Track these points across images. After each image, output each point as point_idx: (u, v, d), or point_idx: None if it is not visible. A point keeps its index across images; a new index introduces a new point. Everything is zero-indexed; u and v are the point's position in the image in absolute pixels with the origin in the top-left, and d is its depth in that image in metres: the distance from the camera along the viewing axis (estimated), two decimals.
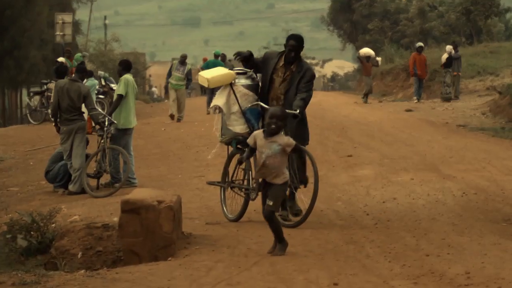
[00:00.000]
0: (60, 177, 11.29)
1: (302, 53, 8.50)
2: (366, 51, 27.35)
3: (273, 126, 6.43)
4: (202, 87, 27.70)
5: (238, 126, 8.23)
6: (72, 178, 11.09)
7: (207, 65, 23.65)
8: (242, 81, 8.33)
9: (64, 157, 11.17)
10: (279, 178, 6.49)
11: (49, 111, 11.13)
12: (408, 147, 14.14)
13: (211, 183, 8.85)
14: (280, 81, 8.29)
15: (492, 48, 33.70)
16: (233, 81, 8.27)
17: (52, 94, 11.22)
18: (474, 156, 12.76)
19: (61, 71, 13.30)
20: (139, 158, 13.31)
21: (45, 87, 21.58)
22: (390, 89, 34.04)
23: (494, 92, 22.82)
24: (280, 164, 6.48)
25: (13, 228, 7.99)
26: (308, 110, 8.46)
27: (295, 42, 8.25)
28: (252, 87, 8.34)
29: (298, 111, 7.91)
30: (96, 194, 10.84)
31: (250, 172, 8.19)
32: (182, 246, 7.06)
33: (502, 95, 20.60)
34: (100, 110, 12.24)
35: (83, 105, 11.21)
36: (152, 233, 6.90)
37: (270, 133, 6.44)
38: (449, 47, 26.12)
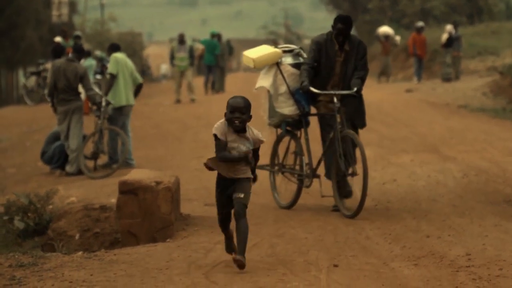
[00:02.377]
0: (56, 158, 11.23)
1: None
2: (385, 29, 26.99)
3: (236, 122, 5.34)
4: (199, 67, 27.52)
5: (287, 108, 7.76)
6: (69, 159, 11.03)
7: (205, 44, 23.56)
8: (289, 59, 7.85)
9: (61, 138, 11.10)
10: (246, 174, 5.50)
11: (45, 91, 11.00)
12: (408, 128, 14.07)
13: (260, 167, 8.16)
14: (340, 66, 7.72)
15: (493, 28, 33.54)
16: (279, 60, 7.80)
17: (48, 75, 11.11)
18: (475, 137, 12.69)
19: (57, 51, 13.19)
20: (137, 139, 13.24)
21: (41, 67, 21.46)
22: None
23: (495, 73, 22.73)
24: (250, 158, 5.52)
25: (10, 210, 7.95)
26: None
27: (343, 25, 7.60)
28: (300, 66, 7.79)
29: (355, 89, 7.45)
30: (94, 175, 10.79)
31: (303, 157, 7.74)
32: (180, 228, 7.01)
33: (503, 75, 20.51)
34: (97, 90, 12.15)
35: (79, 85, 11.13)
36: (150, 215, 6.85)
37: (236, 129, 5.38)
38: (449, 27, 25.96)
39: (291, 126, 7.92)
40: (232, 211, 5.48)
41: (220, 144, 5.37)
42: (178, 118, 16.82)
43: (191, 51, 20.41)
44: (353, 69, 7.67)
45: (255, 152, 5.52)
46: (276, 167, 8.06)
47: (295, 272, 5.41)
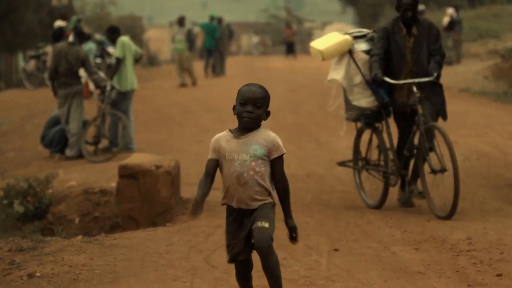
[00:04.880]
0: (55, 142, 11.20)
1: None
2: None
3: (250, 115, 3.94)
4: (201, 50, 27.42)
5: (364, 99, 7.07)
6: (69, 143, 11.00)
7: (204, 28, 23.46)
8: (362, 45, 7.13)
9: (61, 122, 11.07)
10: (264, 202, 4.01)
11: (45, 75, 10.97)
12: None
13: (341, 164, 7.68)
14: (410, 52, 7.04)
15: (495, 11, 33.37)
16: (351, 48, 7.11)
17: (49, 58, 11.06)
18: (476, 121, 12.65)
19: (57, 35, 13.14)
20: (137, 123, 13.20)
21: (40, 51, 21.37)
22: None
23: (496, 56, 22.64)
24: (263, 177, 3.97)
25: (9, 194, 7.93)
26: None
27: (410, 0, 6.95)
28: None
29: (435, 75, 6.80)
30: (94, 159, 10.76)
31: (388, 152, 7.10)
32: (180, 212, 6.99)
33: (505, 59, 20.43)
34: (101, 74, 12.12)
35: (80, 69, 11.09)
36: (150, 199, 6.83)
37: (246, 127, 3.96)
38: (450, 10, 25.84)
39: (371, 119, 7.23)
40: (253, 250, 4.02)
41: (207, 168, 4.01)
42: (178, 102, 16.77)
43: (189, 35, 20.33)
44: (427, 55, 6.99)
45: (276, 165, 3.99)
46: (360, 164, 7.44)
47: (296, 256, 5.40)
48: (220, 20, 23.68)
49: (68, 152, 10.98)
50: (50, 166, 10.19)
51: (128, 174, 6.87)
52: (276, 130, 13.91)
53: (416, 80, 6.84)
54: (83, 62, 10.91)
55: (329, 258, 5.36)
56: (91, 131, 11.25)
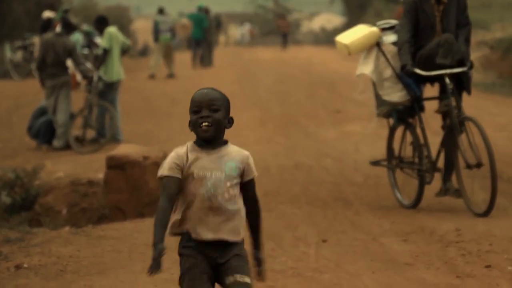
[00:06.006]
0: (42, 133, 11.14)
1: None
2: None
3: (203, 125, 3.20)
4: (188, 40, 27.31)
5: (396, 94, 6.72)
6: (57, 134, 10.95)
7: (192, 19, 23.37)
8: (391, 38, 6.78)
9: (49, 113, 11.01)
10: (237, 232, 3.24)
11: (33, 66, 10.92)
12: None
13: (375, 164, 7.30)
14: (440, 22, 6.62)
15: (484, 1, 33.41)
16: (379, 40, 6.78)
17: (36, 49, 11.00)
18: (465, 111, 12.65)
19: (45, 26, 13.05)
20: (125, 113, 13.14)
21: (27, 41, 21.23)
22: None
23: (485, 47, 22.68)
24: (238, 201, 3.27)
25: None
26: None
27: None
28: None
29: (469, 64, 6.50)
30: (81, 150, 10.71)
31: (422, 148, 6.72)
32: None
33: (494, 50, 20.47)
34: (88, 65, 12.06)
35: (68, 60, 11.04)
36: (138, 190, 6.81)
37: (206, 138, 3.22)
38: None
39: (404, 114, 6.87)
40: None
41: (166, 186, 3.18)
42: (166, 92, 16.72)
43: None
44: (455, 25, 6.59)
45: (249, 188, 3.31)
46: (394, 162, 7.05)
47: (284, 247, 5.39)
48: (207, 11, 23.60)
49: (56, 143, 10.93)
50: (37, 157, 10.13)
51: (116, 165, 6.84)
52: (264, 121, 13.91)
53: (448, 71, 6.50)
54: (71, 52, 10.85)
55: (317, 249, 5.35)
56: (78, 122, 11.19)
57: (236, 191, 3.23)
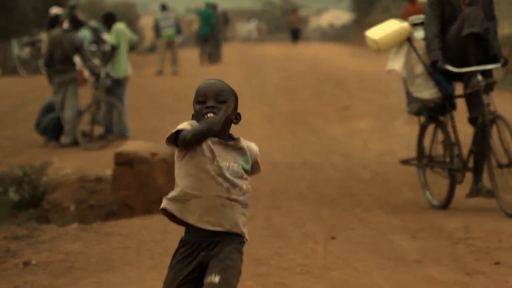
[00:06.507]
0: (50, 130, 11.15)
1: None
2: None
3: (214, 110, 3.03)
4: (197, 37, 27.29)
5: (427, 91, 6.53)
6: (64, 130, 10.96)
7: (201, 15, 23.35)
8: (422, 33, 6.58)
9: (56, 109, 11.02)
10: (239, 224, 3.05)
11: (40, 62, 10.95)
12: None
13: (405, 163, 7.10)
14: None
15: None
16: (410, 36, 6.60)
17: (43, 45, 11.01)
18: (460, 107, 12.59)
19: (53, 22, 13.02)
20: (132, 110, 13.14)
21: (34, 38, 21.25)
22: None
23: None
24: (246, 197, 3.08)
25: (4, 182, 7.89)
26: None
27: None
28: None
29: (502, 62, 6.40)
30: (89, 147, 10.72)
31: (453, 147, 6.53)
32: None
33: (502, 46, 20.37)
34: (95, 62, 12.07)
35: (75, 56, 11.05)
36: (146, 186, 6.80)
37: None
38: None
39: (435, 112, 6.68)
40: None
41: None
42: (173, 89, 16.71)
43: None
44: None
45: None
46: (424, 161, 6.84)
47: (292, 244, 5.37)
48: (215, 7, 23.58)
49: (63, 139, 10.94)
50: (44, 154, 10.14)
51: (124, 162, 6.83)
52: (271, 117, 13.90)
53: (481, 67, 6.35)
54: (78, 49, 10.86)
55: (325, 246, 5.33)
56: (85, 119, 11.21)
57: (249, 185, 3.08)
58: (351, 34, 38.52)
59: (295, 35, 33.80)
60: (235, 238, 3.01)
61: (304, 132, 11.23)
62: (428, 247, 5.30)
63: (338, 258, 5.04)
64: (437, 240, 5.49)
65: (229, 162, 3.02)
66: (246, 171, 3.07)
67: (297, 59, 22.67)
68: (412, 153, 7.09)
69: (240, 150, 3.06)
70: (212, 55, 23.22)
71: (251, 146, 3.12)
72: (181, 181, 3.05)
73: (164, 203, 3.12)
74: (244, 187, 3.04)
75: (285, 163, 8.78)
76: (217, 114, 3.00)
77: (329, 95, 14.59)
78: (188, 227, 3.05)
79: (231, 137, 3.08)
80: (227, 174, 3.00)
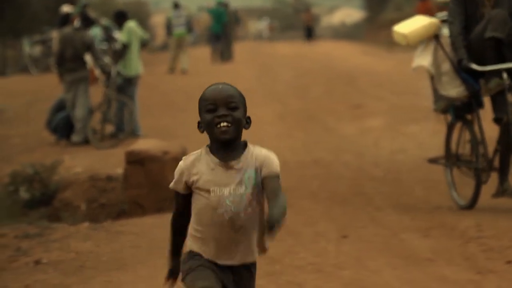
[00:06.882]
0: (61, 128, 11.17)
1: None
2: None
3: (222, 125, 2.89)
4: (208, 35, 27.30)
5: (454, 89, 6.42)
6: (75, 128, 10.98)
7: (213, 14, 23.36)
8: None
9: (67, 107, 11.04)
10: (252, 254, 2.92)
11: (51, 60, 10.99)
12: (418, 98, 13.93)
13: (432, 161, 7.00)
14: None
15: None
16: (438, 32, 6.50)
17: (54, 43, 11.03)
18: (487, 105, 12.54)
19: (64, 20, 13.04)
20: (143, 108, 13.16)
21: (45, 36, 21.31)
22: None
23: None
24: (257, 217, 2.91)
25: (15, 180, 7.91)
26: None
27: None
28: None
29: None
30: (100, 145, 10.73)
31: (479, 146, 6.42)
32: None
33: None
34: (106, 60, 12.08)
35: (86, 54, 11.06)
36: (157, 185, 6.79)
37: (224, 140, 2.89)
38: None
39: (461, 110, 6.57)
40: None
41: (174, 200, 3.04)
42: (184, 87, 16.72)
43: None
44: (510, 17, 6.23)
45: (269, 183, 2.88)
46: (451, 160, 6.72)
47: (303, 243, 5.36)
48: (226, 5, 23.58)
49: (74, 138, 10.95)
50: (55, 152, 10.16)
51: (135, 160, 6.83)
52: (283, 116, 13.88)
53: (505, 65, 6.19)
54: (89, 47, 10.87)
55: (337, 245, 5.31)
56: (96, 117, 11.22)
57: (257, 204, 2.87)
58: (363, 32, 38.43)
59: (309, 33, 33.72)
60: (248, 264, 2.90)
61: (315, 131, 11.21)
62: (440, 246, 5.27)
63: (349, 257, 5.02)
64: (449, 239, 5.45)
65: (231, 186, 2.84)
66: (257, 184, 2.86)
67: (308, 58, 22.63)
68: (423, 151, 7.06)
69: (243, 168, 2.86)
70: (224, 53, 23.21)
71: (258, 152, 2.91)
72: (192, 218, 2.97)
73: (189, 243, 2.97)
74: (250, 210, 2.85)
75: (296, 162, 8.76)
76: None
77: (340, 93, 14.55)
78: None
79: (241, 145, 2.90)
80: (227, 202, 2.83)
